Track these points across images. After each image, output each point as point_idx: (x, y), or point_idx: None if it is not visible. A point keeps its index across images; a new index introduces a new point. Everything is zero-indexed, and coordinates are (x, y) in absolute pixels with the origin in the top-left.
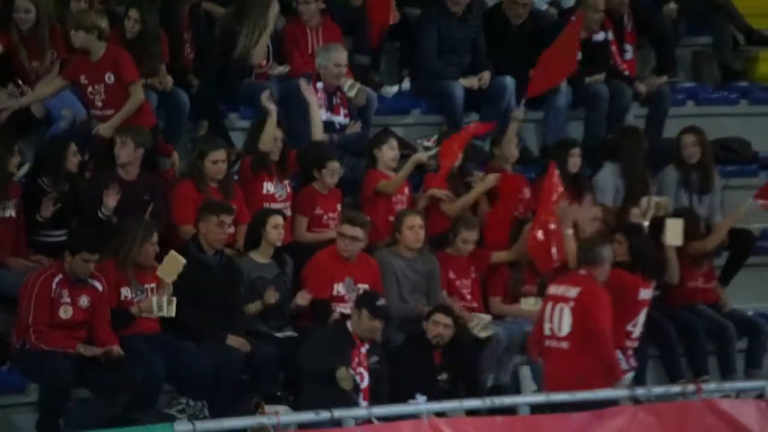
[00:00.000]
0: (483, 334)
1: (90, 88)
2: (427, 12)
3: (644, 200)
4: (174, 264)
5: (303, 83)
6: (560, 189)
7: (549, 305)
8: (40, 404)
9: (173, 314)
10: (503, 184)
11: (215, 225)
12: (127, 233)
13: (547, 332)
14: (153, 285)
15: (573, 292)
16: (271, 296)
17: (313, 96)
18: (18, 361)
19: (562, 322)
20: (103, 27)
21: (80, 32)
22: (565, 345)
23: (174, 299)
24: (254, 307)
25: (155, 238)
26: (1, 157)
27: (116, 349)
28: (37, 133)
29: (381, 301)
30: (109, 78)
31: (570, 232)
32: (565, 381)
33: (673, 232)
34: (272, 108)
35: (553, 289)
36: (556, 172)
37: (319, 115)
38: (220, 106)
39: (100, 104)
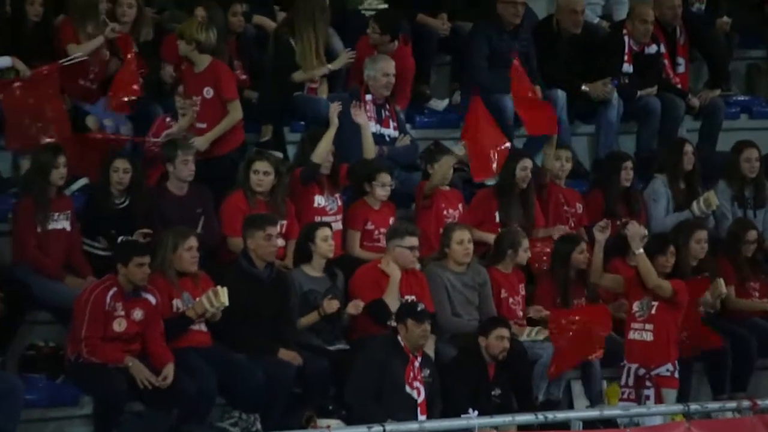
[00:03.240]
0: (541, 336)
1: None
2: (479, 25)
3: (694, 205)
4: (219, 296)
5: (354, 108)
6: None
7: None
8: (95, 417)
9: (226, 302)
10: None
11: (263, 239)
12: (161, 243)
13: None
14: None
15: None
16: (331, 305)
17: (364, 118)
18: (72, 373)
19: None
20: (202, 40)
21: (182, 42)
22: None
23: (221, 288)
24: (311, 318)
25: (190, 243)
26: (43, 168)
27: (168, 375)
28: None
29: (421, 307)
30: (208, 92)
31: (641, 251)
32: None
33: None
34: (337, 122)
35: None
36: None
37: (371, 136)
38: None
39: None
